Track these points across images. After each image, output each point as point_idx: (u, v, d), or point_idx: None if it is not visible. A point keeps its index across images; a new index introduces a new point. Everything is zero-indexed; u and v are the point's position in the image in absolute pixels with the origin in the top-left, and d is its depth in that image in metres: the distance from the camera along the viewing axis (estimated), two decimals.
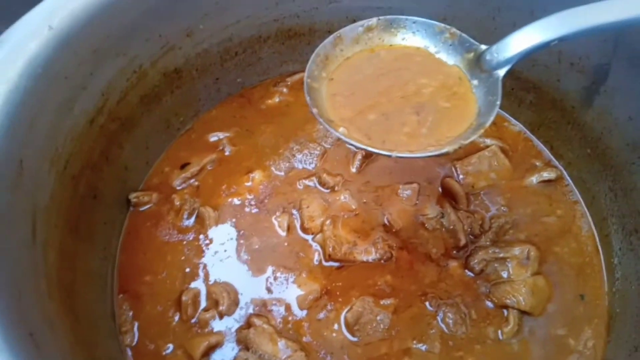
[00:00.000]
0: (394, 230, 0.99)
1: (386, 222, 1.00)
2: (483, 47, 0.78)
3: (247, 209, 1.02)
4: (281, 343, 0.86)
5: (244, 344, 0.86)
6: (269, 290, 0.93)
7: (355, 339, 0.88)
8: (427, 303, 0.91)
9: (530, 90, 1.07)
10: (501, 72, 0.75)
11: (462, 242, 0.96)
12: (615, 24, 0.68)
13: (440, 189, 1.04)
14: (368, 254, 0.95)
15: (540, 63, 1.02)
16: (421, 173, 1.06)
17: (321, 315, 0.90)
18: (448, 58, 0.82)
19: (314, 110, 0.74)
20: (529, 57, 1.00)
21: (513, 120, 1.13)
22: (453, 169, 1.06)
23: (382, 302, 0.90)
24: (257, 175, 1.06)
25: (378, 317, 0.89)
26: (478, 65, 0.78)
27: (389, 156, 0.71)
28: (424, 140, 0.73)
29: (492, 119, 0.72)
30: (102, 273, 0.92)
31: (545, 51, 0.98)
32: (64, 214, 0.80)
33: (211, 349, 0.87)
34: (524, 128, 1.12)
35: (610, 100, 0.91)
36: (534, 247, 0.94)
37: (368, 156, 1.07)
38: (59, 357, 0.63)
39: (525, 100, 1.09)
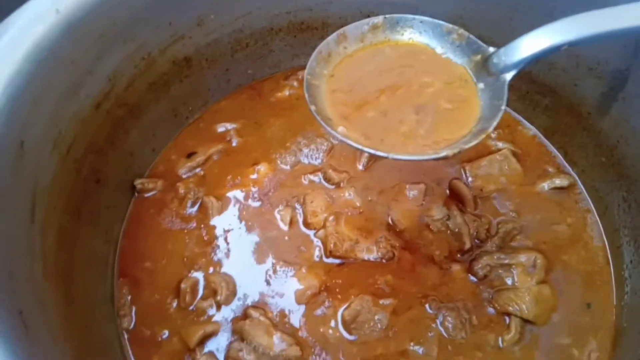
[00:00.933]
0: (397, 230, 0.97)
1: (390, 221, 0.98)
2: (491, 49, 0.75)
3: (250, 201, 1.02)
4: (276, 336, 0.85)
5: (239, 335, 0.86)
6: (267, 282, 0.92)
7: (351, 338, 0.87)
8: (427, 305, 0.89)
9: (546, 94, 1.04)
10: (508, 76, 0.72)
11: (467, 245, 0.94)
12: (631, 30, 0.65)
13: (447, 191, 1.02)
14: (370, 252, 0.94)
15: (558, 67, 0.99)
16: (429, 173, 1.04)
17: (319, 311, 0.89)
18: (455, 59, 0.79)
19: (312, 108, 0.73)
20: (543, 60, 0.98)
21: (527, 124, 1.10)
22: (462, 170, 1.03)
23: (381, 302, 0.89)
24: (263, 167, 1.05)
25: (376, 317, 0.88)
26: (485, 68, 0.75)
27: (386, 157, 0.69)
28: (421, 141, 0.71)
29: (495, 124, 0.70)
30: (103, 257, 0.92)
31: (563, 55, 0.96)
32: (66, 196, 0.80)
33: (207, 337, 0.86)
34: (538, 132, 1.09)
35: (628, 107, 0.88)
36: (541, 255, 0.91)
37: None
38: (49, 337, 0.64)
39: (540, 104, 1.06)
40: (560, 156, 1.05)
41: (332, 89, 0.78)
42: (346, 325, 0.87)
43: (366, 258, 0.94)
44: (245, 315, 0.88)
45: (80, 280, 0.81)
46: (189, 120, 1.13)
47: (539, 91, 1.04)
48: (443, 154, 0.69)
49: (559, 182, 1.01)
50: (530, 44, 0.71)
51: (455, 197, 1.00)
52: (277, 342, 0.84)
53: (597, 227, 0.97)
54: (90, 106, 0.85)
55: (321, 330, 0.87)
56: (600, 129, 0.95)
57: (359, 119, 0.74)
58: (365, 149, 0.70)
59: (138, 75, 0.95)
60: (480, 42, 0.78)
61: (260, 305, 0.90)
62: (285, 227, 0.98)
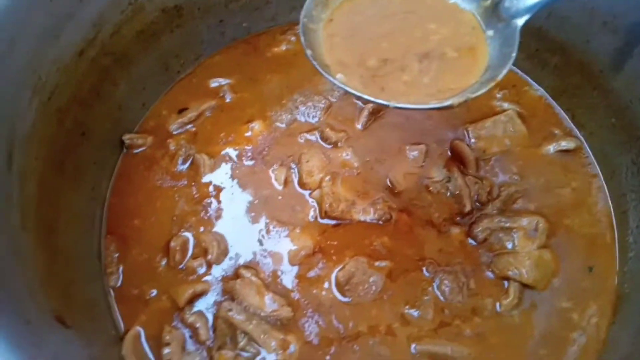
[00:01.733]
0: (396, 191, 0.94)
1: (389, 182, 0.95)
2: None
3: (244, 159, 0.98)
4: (268, 297, 0.83)
5: (230, 295, 0.83)
6: (260, 242, 0.89)
7: (345, 300, 0.84)
8: (424, 269, 0.86)
9: (556, 52, 0.99)
10: (520, 22, 0.68)
11: (467, 208, 0.90)
12: None
13: (449, 152, 0.98)
14: (366, 213, 0.91)
15: (570, 22, 0.93)
16: (431, 134, 1.00)
17: (312, 272, 0.87)
18: (464, 4, 0.74)
19: (308, 52, 0.69)
20: (555, 14, 0.93)
21: (535, 85, 1.06)
22: (465, 132, 0.99)
23: (376, 264, 0.86)
24: (257, 125, 1.01)
25: (371, 279, 0.85)
26: (495, 13, 0.71)
27: (387, 106, 0.65)
28: (425, 90, 0.67)
29: (505, 72, 0.65)
30: (89, 213, 0.89)
31: (577, 8, 0.91)
32: (47, 147, 0.76)
33: (196, 296, 0.84)
34: (546, 93, 1.04)
35: None
36: (544, 219, 0.88)
37: (375, 112, 1.01)
38: (25, 289, 0.61)
39: (549, 63, 1.01)
40: (568, 118, 1.01)
41: (330, 33, 0.73)
42: (340, 287, 0.85)
43: (362, 219, 0.90)
44: (236, 275, 0.86)
45: (64, 234, 0.78)
46: (181, 75, 1.08)
47: (548, 49, 0.99)
48: (448, 103, 0.65)
49: (565, 144, 0.97)
50: None
51: (456, 159, 0.96)
52: (269, 302, 0.82)
53: (603, 191, 0.94)
54: (72, 52, 0.80)
55: (314, 291, 0.85)
56: (612, 88, 0.90)
57: (357, 66, 0.70)
58: (365, 96, 0.66)
59: (125, 23, 0.89)
60: None
61: (252, 265, 0.87)
62: (279, 187, 0.95)
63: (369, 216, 0.91)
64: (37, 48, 0.72)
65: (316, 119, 1.02)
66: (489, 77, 0.67)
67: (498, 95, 1.04)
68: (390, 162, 0.97)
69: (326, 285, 0.85)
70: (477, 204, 0.92)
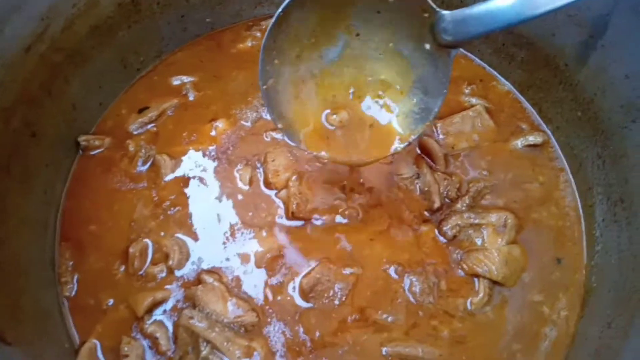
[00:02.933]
0: (365, 188, 0.91)
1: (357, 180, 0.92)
2: (442, 12, 0.67)
3: (207, 160, 0.94)
4: (231, 302, 0.80)
5: (192, 301, 0.80)
6: (224, 245, 0.86)
7: (310, 305, 0.81)
8: (393, 269, 0.84)
9: (522, 47, 0.98)
10: (453, 52, 0.66)
11: (437, 205, 0.89)
12: None
13: (418, 148, 0.96)
14: (334, 212, 0.88)
15: None
16: None
17: (278, 275, 0.84)
18: (401, 19, 0.71)
19: (279, 126, 0.74)
20: None
21: (502, 80, 1.05)
22: (433, 127, 0.98)
23: (344, 267, 0.84)
24: (221, 124, 0.98)
25: (336, 285, 0.82)
26: (432, 33, 0.67)
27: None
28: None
29: (440, 103, 0.70)
30: (41, 218, 0.84)
31: None
32: None
33: (156, 304, 0.80)
34: (513, 88, 1.04)
35: (607, 56, 0.83)
36: (512, 215, 0.87)
37: None
38: None
39: (516, 57, 1.01)
40: (535, 113, 1.01)
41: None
42: (304, 293, 0.81)
43: (330, 219, 0.88)
44: (198, 281, 0.82)
45: (11, 242, 0.74)
46: (141, 72, 1.04)
47: (515, 43, 0.99)
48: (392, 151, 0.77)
49: (532, 139, 0.96)
50: (484, 19, 0.62)
51: (425, 155, 0.95)
52: (232, 308, 0.79)
53: (570, 185, 0.93)
54: (18, 47, 0.75)
55: (279, 298, 0.82)
56: (577, 82, 0.90)
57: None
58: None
59: (77, 17, 0.85)
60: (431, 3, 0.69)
61: (215, 270, 0.84)
62: (244, 187, 0.91)
63: (337, 215, 0.88)
64: None
65: None
66: (423, 101, 0.71)
67: (466, 91, 1.03)
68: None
69: (291, 290, 0.82)
70: (446, 200, 0.90)
